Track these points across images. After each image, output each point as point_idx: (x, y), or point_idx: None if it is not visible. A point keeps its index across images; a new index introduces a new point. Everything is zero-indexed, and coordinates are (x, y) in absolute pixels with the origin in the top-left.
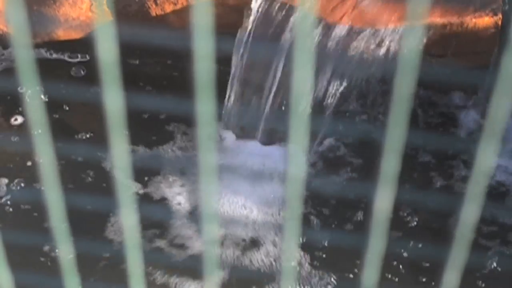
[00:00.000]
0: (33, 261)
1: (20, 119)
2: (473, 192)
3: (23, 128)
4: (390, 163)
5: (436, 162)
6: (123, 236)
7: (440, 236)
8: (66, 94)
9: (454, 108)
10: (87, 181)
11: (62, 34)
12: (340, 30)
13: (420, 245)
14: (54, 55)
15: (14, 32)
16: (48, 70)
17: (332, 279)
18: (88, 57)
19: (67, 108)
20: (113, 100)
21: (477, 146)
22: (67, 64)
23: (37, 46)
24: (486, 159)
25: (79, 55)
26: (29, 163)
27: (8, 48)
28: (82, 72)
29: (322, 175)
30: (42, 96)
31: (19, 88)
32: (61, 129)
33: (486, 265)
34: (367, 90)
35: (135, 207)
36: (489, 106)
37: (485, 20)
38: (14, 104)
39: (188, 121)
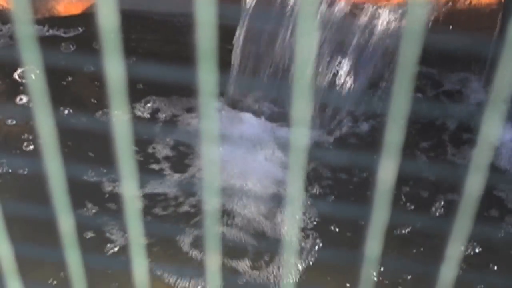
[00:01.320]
0: (33, 233)
1: (21, 96)
2: (478, 162)
3: (25, 105)
4: (394, 133)
5: (440, 133)
6: (124, 207)
7: (444, 208)
8: (64, 67)
9: (458, 80)
10: (87, 152)
11: (62, 9)
12: (343, 6)
13: (423, 217)
14: (50, 31)
15: (15, 7)
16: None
17: (334, 251)
18: (80, 30)
19: (65, 81)
20: (114, 68)
21: (482, 116)
22: (60, 39)
23: (37, 22)
24: (491, 129)
25: (73, 30)
26: (31, 137)
27: (7, 24)
28: (71, 47)
29: (327, 146)
30: (41, 70)
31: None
32: (59, 102)
33: (489, 237)
34: (372, 64)
35: (136, 177)
36: (494, 76)
37: None
38: (14, 79)
39: (190, 90)
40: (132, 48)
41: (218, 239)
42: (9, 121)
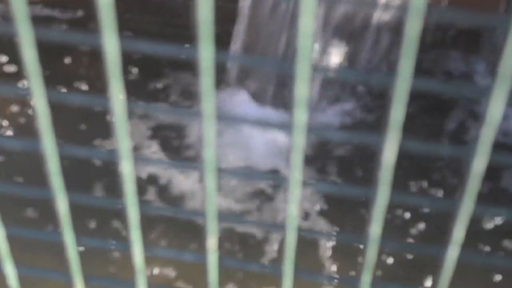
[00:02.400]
0: (28, 215)
1: (14, 68)
2: (483, 140)
3: (17, 77)
4: (397, 109)
5: (444, 110)
6: (121, 187)
7: (444, 187)
8: (60, 43)
9: (462, 57)
10: (83, 131)
11: None
12: None
13: (427, 196)
14: (46, 11)
15: None
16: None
17: (336, 231)
18: (77, 12)
19: (62, 58)
20: (111, 44)
21: (487, 94)
22: (56, 19)
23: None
24: (497, 106)
25: (71, 11)
26: (23, 112)
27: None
28: (67, 27)
29: (329, 125)
30: (36, 46)
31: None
32: (55, 79)
33: (490, 218)
34: (375, 39)
35: (133, 156)
36: (500, 54)
37: None
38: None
39: (189, 68)
40: (130, 29)
41: (216, 220)
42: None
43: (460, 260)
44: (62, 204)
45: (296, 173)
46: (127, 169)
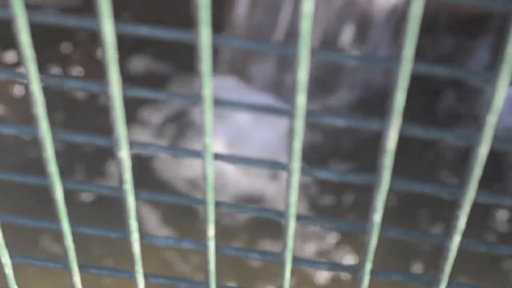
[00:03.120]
0: (24, 202)
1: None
2: (487, 125)
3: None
4: (399, 93)
5: (447, 94)
6: (117, 175)
7: (444, 172)
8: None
9: (465, 39)
10: (79, 117)
11: None
12: None
13: (429, 182)
14: None
15: None
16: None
17: (337, 217)
18: None
19: (56, 43)
20: (107, 27)
21: (491, 76)
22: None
23: None
24: (501, 92)
25: None
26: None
27: None
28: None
29: (329, 110)
30: (31, 31)
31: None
32: (50, 62)
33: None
34: (377, 24)
35: (129, 142)
36: (505, 37)
37: None
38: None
39: (187, 53)
40: (129, 15)
41: (214, 206)
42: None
43: (462, 248)
44: (58, 192)
45: (295, 159)
46: (123, 155)
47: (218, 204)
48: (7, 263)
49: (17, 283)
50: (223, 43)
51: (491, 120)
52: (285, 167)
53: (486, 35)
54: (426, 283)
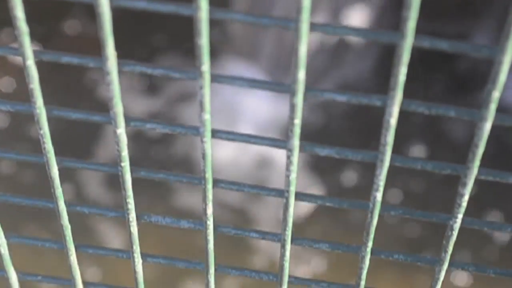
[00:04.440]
0: (20, 182)
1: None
2: (490, 101)
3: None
4: (401, 67)
5: (449, 72)
6: (113, 154)
7: (445, 150)
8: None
9: (468, 17)
10: (74, 97)
11: None
12: None
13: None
14: None
15: None
16: None
17: (338, 195)
18: None
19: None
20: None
21: (495, 50)
22: None
23: None
24: (505, 68)
25: None
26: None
27: None
28: None
29: (329, 87)
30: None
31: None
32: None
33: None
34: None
35: (127, 118)
36: (508, 17)
37: None
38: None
39: (185, 31)
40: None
41: (212, 185)
42: None
43: (464, 227)
44: (53, 169)
45: (295, 136)
46: (120, 131)
47: (216, 182)
48: (2, 243)
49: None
50: (222, 17)
51: (495, 96)
52: (284, 144)
53: (487, 18)
54: (429, 263)
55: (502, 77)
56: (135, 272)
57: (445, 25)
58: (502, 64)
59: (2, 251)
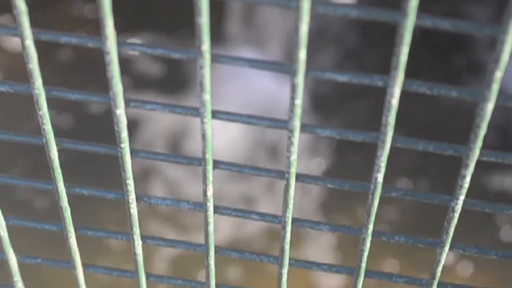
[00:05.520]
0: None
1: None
2: (492, 80)
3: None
4: (403, 46)
5: (451, 49)
6: (114, 133)
7: (447, 132)
8: None
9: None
10: (74, 77)
11: None
12: None
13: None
14: None
15: None
16: None
17: (339, 178)
18: None
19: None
20: None
21: (498, 30)
22: None
23: None
24: (508, 49)
25: None
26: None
27: None
28: None
29: (330, 66)
30: None
31: None
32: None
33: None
34: None
35: (126, 99)
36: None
37: None
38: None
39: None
40: None
41: (212, 167)
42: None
43: (465, 208)
44: (52, 150)
45: (296, 116)
46: (119, 112)
47: (216, 163)
48: (2, 225)
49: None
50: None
51: (497, 76)
52: (285, 124)
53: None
54: (430, 245)
55: (505, 57)
56: (134, 254)
57: (445, 6)
58: (504, 43)
59: (1, 233)
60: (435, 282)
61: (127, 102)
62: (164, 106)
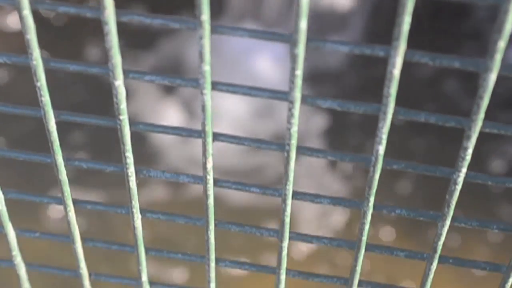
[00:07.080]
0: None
1: None
2: (495, 50)
3: None
4: (405, 16)
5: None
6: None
7: (448, 104)
8: None
9: None
10: (74, 52)
11: None
12: None
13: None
14: None
15: None
16: None
17: (341, 151)
18: None
19: None
20: None
21: (501, 1)
22: None
23: None
24: (511, 17)
25: None
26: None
27: None
28: None
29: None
30: None
31: None
32: None
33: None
34: None
35: (125, 70)
36: None
37: None
38: None
39: None
40: None
41: (212, 139)
42: None
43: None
44: (51, 122)
45: (296, 87)
46: (118, 83)
47: (216, 135)
48: (0, 199)
49: None
50: None
51: (500, 46)
52: (285, 96)
53: None
54: (432, 218)
55: (508, 26)
56: (134, 227)
57: None
58: (508, 13)
59: (0, 207)
60: (436, 256)
61: (126, 73)
62: (163, 77)
